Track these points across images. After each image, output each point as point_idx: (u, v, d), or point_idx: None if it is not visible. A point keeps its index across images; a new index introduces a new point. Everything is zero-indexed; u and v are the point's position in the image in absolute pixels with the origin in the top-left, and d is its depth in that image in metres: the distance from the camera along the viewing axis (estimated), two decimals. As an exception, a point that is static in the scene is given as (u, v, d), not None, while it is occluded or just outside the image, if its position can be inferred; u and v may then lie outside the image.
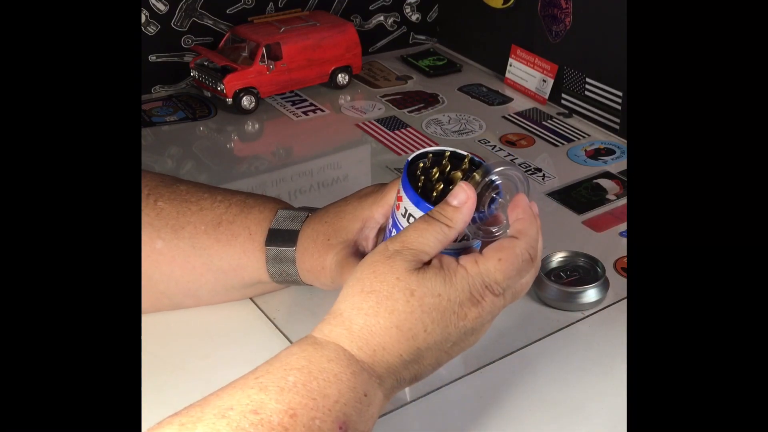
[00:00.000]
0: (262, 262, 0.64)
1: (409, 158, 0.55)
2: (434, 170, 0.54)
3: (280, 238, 0.63)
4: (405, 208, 0.53)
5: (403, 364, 0.49)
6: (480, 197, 0.52)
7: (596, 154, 0.98)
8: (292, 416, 0.43)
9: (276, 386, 0.44)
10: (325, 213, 0.63)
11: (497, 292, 0.50)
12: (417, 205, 0.53)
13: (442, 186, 0.53)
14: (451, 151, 0.55)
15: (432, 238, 0.50)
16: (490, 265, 0.50)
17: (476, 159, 0.55)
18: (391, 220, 0.56)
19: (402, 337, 0.48)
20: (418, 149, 0.55)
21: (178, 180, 0.68)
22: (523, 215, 0.52)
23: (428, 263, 0.50)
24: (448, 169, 0.54)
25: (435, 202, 0.52)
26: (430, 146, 0.56)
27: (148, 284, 0.64)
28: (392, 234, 0.54)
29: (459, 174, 0.54)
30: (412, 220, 0.53)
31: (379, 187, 0.61)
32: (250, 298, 0.70)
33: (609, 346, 0.66)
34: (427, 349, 0.49)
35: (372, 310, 0.48)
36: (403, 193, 0.54)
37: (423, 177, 0.54)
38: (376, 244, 0.60)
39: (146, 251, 0.63)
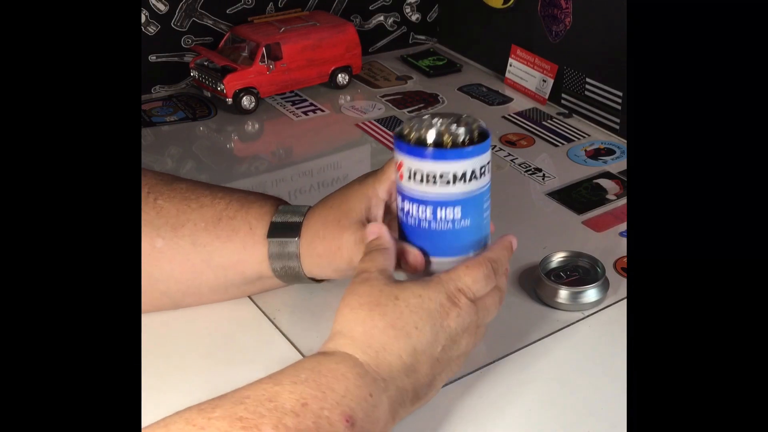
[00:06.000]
0: (264, 255, 0.64)
1: (395, 132, 0.58)
2: (419, 128, 0.56)
3: (282, 229, 0.64)
4: (408, 169, 0.56)
5: (403, 366, 0.52)
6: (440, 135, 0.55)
7: (596, 154, 0.98)
8: (303, 405, 0.47)
9: (289, 381, 0.48)
10: (329, 199, 0.64)
11: (470, 296, 0.55)
12: (415, 154, 0.55)
13: (430, 133, 0.55)
14: (429, 114, 0.57)
15: (380, 258, 0.57)
16: (459, 271, 0.56)
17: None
18: (398, 196, 0.58)
19: (399, 335, 0.52)
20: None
21: (178, 178, 0.68)
22: (499, 243, 0.60)
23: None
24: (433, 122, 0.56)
25: (430, 146, 0.55)
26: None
27: (148, 283, 0.64)
28: (404, 210, 0.57)
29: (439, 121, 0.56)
30: (419, 177, 0.55)
31: (377, 170, 0.63)
32: (251, 299, 0.70)
33: (609, 346, 0.66)
34: (421, 351, 0.53)
35: (367, 318, 0.53)
36: (402, 156, 0.56)
37: (412, 134, 0.56)
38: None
39: (146, 250, 0.63)
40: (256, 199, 0.66)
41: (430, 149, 0.55)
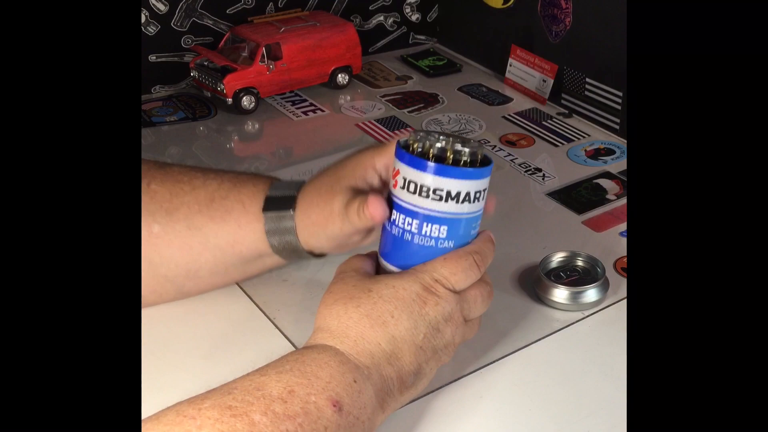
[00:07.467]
0: (260, 232, 0.64)
1: (399, 141, 0.57)
2: (423, 140, 0.56)
3: (277, 203, 0.64)
4: (403, 178, 0.56)
5: (383, 354, 0.53)
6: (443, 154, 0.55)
7: (596, 154, 0.98)
8: (290, 392, 0.48)
9: (275, 371, 0.50)
10: (324, 169, 0.64)
11: (448, 286, 0.56)
12: (414, 164, 0.55)
13: (433, 147, 0.55)
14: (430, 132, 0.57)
15: (356, 260, 0.60)
16: (436, 263, 0.57)
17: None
18: (392, 204, 0.57)
19: (374, 324, 0.54)
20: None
21: (170, 163, 0.68)
22: (482, 237, 0.59)
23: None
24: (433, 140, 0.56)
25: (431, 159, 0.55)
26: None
27: (149, 268, 0.64)
28: (390, 219, 0.57)
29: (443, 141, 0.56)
30: (412, 187, 0.55)
31: (377, 144, 0.62)
32: (251, 299, 0.70)
33: (609, 346, 0.66)
34: (401, 339, 0.54)
35: (342, 311, 0.55)
36: (400, 165, 0.56)
37: (416, 144, 0.56)
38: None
39: (144, 236, 0.63)
40: (249, 178, 0.66)
41: (430, 162, 0.54)
